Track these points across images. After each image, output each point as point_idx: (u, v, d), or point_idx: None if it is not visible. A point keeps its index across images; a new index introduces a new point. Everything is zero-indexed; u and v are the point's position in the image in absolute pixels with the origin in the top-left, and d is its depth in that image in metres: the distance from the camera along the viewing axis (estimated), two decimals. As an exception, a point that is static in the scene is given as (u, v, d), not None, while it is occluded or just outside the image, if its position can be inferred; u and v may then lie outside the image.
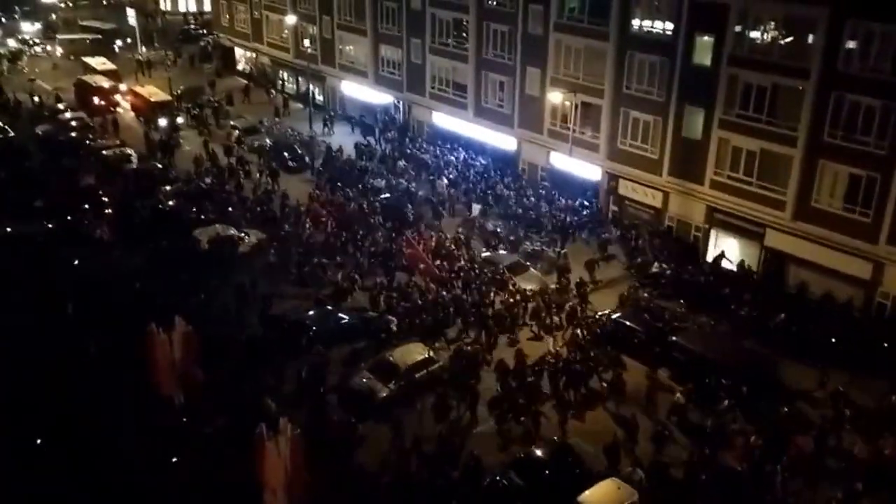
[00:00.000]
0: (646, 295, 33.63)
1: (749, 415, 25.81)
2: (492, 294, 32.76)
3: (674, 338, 29.23)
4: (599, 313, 31.97)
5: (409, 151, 50.35)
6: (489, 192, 44.13)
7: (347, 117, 57.51)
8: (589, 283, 34.45)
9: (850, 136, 31.82)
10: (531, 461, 23.38)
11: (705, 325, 31.70)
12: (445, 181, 44.85)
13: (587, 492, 21.82)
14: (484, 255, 36.89)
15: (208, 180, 44.69)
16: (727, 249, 36.68)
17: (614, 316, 31.26)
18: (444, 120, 51.27)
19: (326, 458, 22.33)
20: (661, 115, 38.46)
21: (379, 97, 56.42)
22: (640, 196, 40.45)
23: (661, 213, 39.66)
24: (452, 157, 49.20)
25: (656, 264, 36.21)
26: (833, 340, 29.69)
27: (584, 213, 41.95)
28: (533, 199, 43.08)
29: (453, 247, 36.73)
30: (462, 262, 35.43)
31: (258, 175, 46.30)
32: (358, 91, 57.93)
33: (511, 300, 32.09)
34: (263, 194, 43.27)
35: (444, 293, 32.51)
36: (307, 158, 49.35)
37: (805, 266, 34.20)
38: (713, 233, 37.49)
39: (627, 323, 30.62)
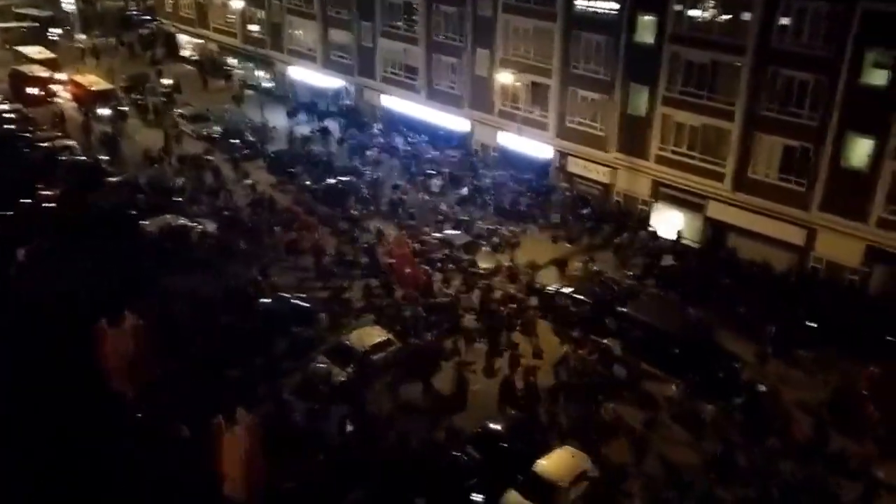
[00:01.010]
0: (595, 269, 34.68)
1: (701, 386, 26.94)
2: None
3: (622, 308, 30.31)
4: (549, 287, 32.82)
5: (381, 140, 50.18)
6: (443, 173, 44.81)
7: (299, 103, 57.30)
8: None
9: (784, 109, 33.22)
10: (488, 435, 24.04)
11: (653, 296, 32.86)
12: (439, 181, 43.71)
13: (542, 460, 22.68)
14: (438, 235, 37.48)
15: (159, 172, 44.22)
16: (672, 221, 38.03)
17: (565, 290, 32.23)
18: (396, 103, 51.57)
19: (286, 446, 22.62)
20: (608, 94, 39.44)
21: (329, 82, 56.40)
22: (589, 172, 41.47)
23: (610, 188, 40.77)
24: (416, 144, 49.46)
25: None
26: (773, 306, 31.12)
27: (534, 191, 42.78)
28: (487, 179, 43.77)
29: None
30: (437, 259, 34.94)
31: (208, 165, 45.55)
32: (308, 76, 57.82)
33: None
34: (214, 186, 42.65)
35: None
36: (259, 145, 48.97)
37: (744, 235, 35.70)
38: (658, 206, 38.76)
39: (577, 296, 31.64)
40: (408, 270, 32.05)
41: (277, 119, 53.75)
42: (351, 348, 27.70)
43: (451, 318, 30.28)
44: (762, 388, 26.13)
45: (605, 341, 28.37)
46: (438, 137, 48.89)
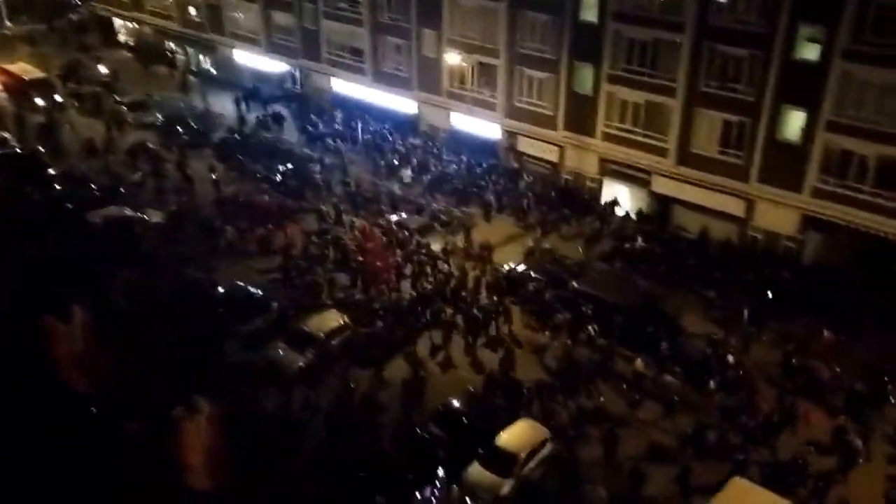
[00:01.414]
0: (547, 246, 35.52)
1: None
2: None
3: (574, 284, 31.23)
4: (505, 266, 33.59)
5: (338, 127, 49.91)
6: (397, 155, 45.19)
7: (245, 88, 56.42)
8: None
9: (723, 85, 34.31)
10: (449, 412, 24.68)
11: (603, 270, 33.87)
12: (409, 171, 43.59)
13: (503, 433, 23.47)
14: (393, 218, 37.86)
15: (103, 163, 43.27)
16: (619, 197, 39.15)
17: (519, 268, 33.01)
18: (343, 86, 51.42)
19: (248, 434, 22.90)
20: (554, 72, 40.04)
21: (275, 65, 55.87)
22: (539, 152, 42.23)
23: (559, 167, 41.60)
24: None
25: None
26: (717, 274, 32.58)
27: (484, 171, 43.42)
28: (453, 165, 44.09)
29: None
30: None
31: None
32: (252, 60, 57.14)
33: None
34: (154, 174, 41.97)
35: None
36: (204, 133, 48.23)
37: (688, 207, 37.02)
38: (606, 182, 39.78)
39: (532, 273, 32.46)
40: (378, 264, 31.74)
41: (222, 105, 53.00)
42: (309, 334, 27.95)
43: (432, 310, 30.19)
44: (730, 358, 27.12)
45: (590, 327, 28.76)
46: (389, 121, 49.00)
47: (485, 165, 43.73)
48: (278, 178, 41.73)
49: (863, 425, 24.76)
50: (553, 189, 41.13)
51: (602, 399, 25.99)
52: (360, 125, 49.08)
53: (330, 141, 47.55)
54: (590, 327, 28.75)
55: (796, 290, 31.42)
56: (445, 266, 33.45)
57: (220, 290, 30.78)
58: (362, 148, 47.07)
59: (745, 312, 29.75)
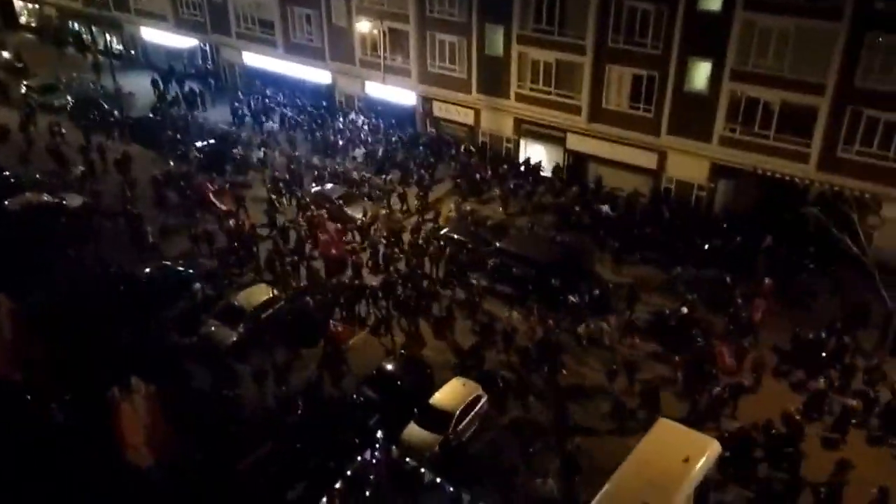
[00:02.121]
0: (468, 207, 35.96)
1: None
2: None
3: (497, 244, 31.83)
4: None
5: (268, 102, 48.84)
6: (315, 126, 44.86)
7: (157, 66, 54.92)
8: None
9: (630, 40, 35.04)
10: (383, 375, 25.11)
11: (524, 229, 34.58)
12: (361, 149, 42.83)
13: (437, 393, 24.08)
14: (314, 189, 37.71)
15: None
16: (535, 156, 39.83)
17: (443, 231, 33.40)
18: (255, 59, 50.53)
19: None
20: (465, 35, 40.13)
21: (183, 42, 54.42)
22: (455, 116, 42.53)
23: (475, 129, 42.00)
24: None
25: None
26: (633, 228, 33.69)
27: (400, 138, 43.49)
28: (394, 138, 43.60)
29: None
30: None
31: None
32: (160, 37, 55.53)
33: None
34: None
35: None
36: (116, 113, 46.95)
37: (603, 163, 37.98)
38: (523, 143, 40.42)
39: (455, 236, 32.90)
40: (333, 251, 31.31)
41: (133, 85, 51.49)
42: (240, 308, 28.00)
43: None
44: (684, 310, 27.93)
45: (572, 298, 28.91)
46: (303, 93, 48.52)
47: (401, 131, 43.83)
48: (197, 155, 40.98)
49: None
50: (471, 151, 41.52)
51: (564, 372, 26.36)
52: (286, 100, 48.64)
53: (270, 124, 46.73)
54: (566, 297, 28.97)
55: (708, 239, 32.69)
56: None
57: (146, 270, 30.37)
58: (290, 123, 46.36)
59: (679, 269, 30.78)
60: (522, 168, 39.88)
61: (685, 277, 30.34)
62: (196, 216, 35.27)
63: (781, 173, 32.91)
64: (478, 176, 38.83)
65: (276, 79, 49.74)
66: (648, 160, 36.33)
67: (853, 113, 30.71)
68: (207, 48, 53.81)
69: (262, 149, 42.07)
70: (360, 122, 44.96)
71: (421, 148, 42.30)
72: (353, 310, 29.03)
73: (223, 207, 35.43)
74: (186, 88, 50.80)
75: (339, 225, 33.30)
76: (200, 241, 33.00)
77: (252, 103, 48.59)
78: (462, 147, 41.76)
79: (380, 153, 41.72)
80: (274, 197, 36.35)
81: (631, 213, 35.53)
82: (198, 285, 29.84)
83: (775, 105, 32.29)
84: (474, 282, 29.96)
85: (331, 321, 28.11)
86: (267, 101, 48.89)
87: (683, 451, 20.67)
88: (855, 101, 30.45)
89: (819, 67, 30.65)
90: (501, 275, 30.53)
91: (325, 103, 47.55)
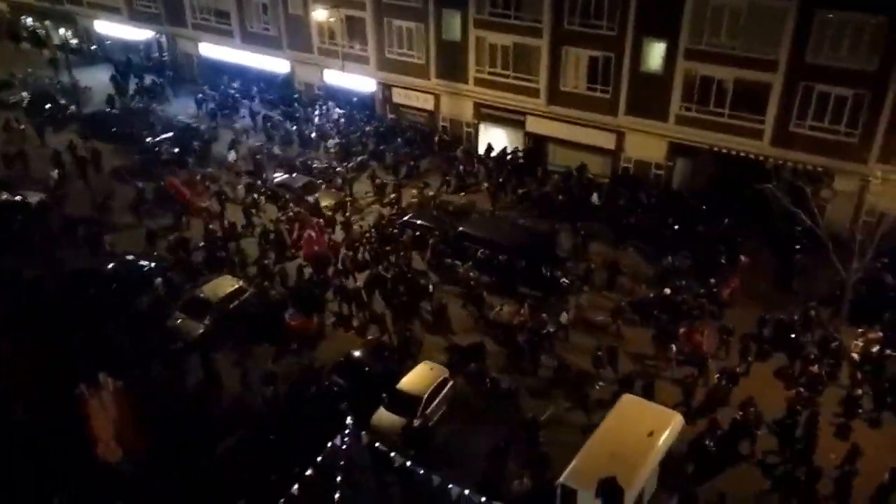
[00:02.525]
0: (431, 193, 36.14)
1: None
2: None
3: (461, 228, 32.07)
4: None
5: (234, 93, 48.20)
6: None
7: (114, 60, 53.96)
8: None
9: (586, 22, 35.40)
10: (350, 363, 25.27)
11: (486, 213, 34.86)
12: (334, 140, 42.17)
13: (404, 378, 24.31)
14: (277, 179, 37.56)
15: None
16: (495, 140, 40.05)
17: (406, 217, 33.54)
18: (212, 50, 50.04)
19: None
20: (423, 21, 40.16)
21: (138, 34, 53.68)
22: (415, 101, 42.59)
23: (435, 115, 42.13)
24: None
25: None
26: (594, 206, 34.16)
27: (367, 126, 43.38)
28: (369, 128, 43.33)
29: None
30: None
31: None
32: (116, 29, 54.71)
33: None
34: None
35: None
36: (72, 108, 46.25)
37: (562, 144, 38.38)
38: (482, 127, 40.66)
39: (419, 222, 33.06)
40: (316, 248, 30.97)
41: (90, 79, 50.67)
42: (206, 300, 27.90)
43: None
44: (667, 291, 28.24)
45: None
46: (263, 82, 48.19)
47: (363, 119, 43.74)
48: (157, 148, 40.53)
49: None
50: (432, 137, 41.64)
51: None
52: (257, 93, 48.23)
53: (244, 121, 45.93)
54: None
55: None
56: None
57: (110, 266, 30.05)
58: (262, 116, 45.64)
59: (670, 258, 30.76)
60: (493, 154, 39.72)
61: (677, 266, 30.31)
62: (182, 220, 34.29)
63: (737, 150, 33.51)
64: (461, 168, 38.51)
65: (236, 69, 49.28)
66: (607, 140, 36.77)
67: (805, 88, 31.39)
68: (164, 40, 53.06)
69: (233, 141, 41.57)
70: (335, 113, 44.62)
71: (399, 140, 41.77)
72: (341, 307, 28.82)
73: (200, 203, 34.82)
74: (147, 81, 50.09)
75: (321, 220, 33.10)
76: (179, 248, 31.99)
77: (216, 95, 48.04)
78: (436, 137, 41.47)
79: (351, 143, 41.33)
80: (255, 196, 35.79)
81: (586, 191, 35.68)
82: (159, 280, 29.54)
83: (729, 83, 32.85)
84: (460, 270, 29.96)
85: (286, 313, 27.84)
86: (234, 93, 48.30)
87: (648, 425, 21.16)
88: (806, 77, 31.11)
89: (771, 44, 31.27)
90: (478, 262, 30.59)
91: (296, 95, 47.07)
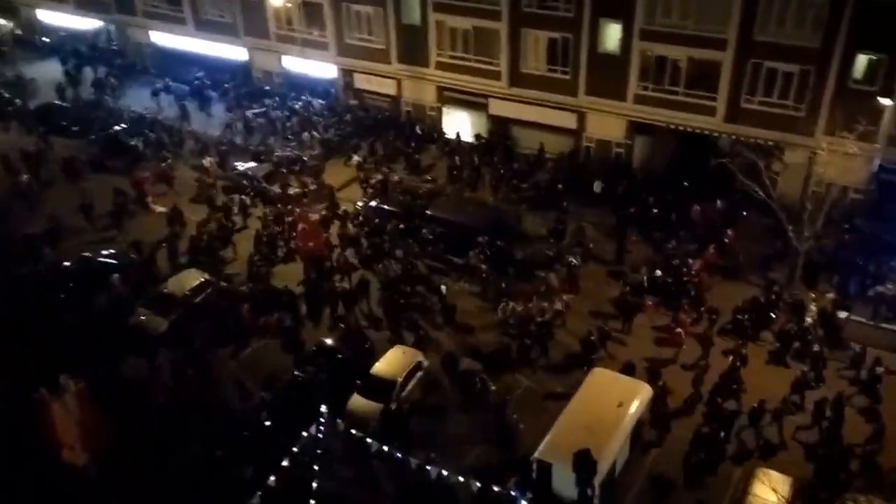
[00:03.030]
0: (396, 178, 36.20)
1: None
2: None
3: (428, 211, 32.23)
4: (359, 203, 34.08)
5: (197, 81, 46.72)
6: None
7: (64, 50, 52.11)
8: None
9: (543, 4, 35.65)
10: (322, 350, 25.26)
11: (452, 194, 35.03)
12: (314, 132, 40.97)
13: (378, 363, 24.45)
14: (239, 168, 37.11)
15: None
16: (459, 123, 40.16)
17: (372, 203, 33.58)
18: (164, 38, 49.02)
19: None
20: (381, 5, 39.87)
21: (85, 23, 52.26)
22: (376, 87, 42.38)
23: (398, 99, 42.04)
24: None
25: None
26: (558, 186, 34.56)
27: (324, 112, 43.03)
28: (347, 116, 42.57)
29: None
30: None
31: None
32: (62, 19, 53.15)
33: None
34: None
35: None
36: (18, 101, 44.64)
37: (525, 126, 38.67)
38: (445, 110, 40.72)
39: (385, 207, 33.13)
40: (311, 244, 30.72)
41: (36, 71, 49.27)
42: (171, 295, 27.57)
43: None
44: (658, 273, 28.70)
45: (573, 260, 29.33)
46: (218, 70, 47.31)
47: (321, 105, 43.39)
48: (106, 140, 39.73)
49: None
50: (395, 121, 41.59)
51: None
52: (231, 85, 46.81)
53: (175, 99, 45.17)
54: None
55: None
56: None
57: (66, 263, 29.50)
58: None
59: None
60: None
61: (681, 251, 30.45)
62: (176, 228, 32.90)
63: (692, 127, 34.23)
64: (456, 159, 37.88)
65: (190, 58, 48.06)
66: (568, 121, 37.17)
67: (754, 65, 32.19)
68: (112, 28, 51.80)
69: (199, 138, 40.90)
70: (315, 105, 44.00)
71: (392, 131, 41.05)
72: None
73: (159, 209, 34.00)
74: (99, 72, 48.75)
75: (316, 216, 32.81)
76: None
77: (188, 88, 46.61)
78: (417, 128, 40.95)
79: (330, 134, 40.84)
80: (242, 197, 35.00)
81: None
82: (116, 276, 28.75)
83: (683, 62, 33.51)
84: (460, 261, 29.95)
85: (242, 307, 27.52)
86: (198, 82, 46.87)
87: (618, 396, 21.81)
88: (755, 55, 31.90)
89: (721, 23, 31.94)
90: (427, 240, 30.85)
91: (268, 88, 45.95)
